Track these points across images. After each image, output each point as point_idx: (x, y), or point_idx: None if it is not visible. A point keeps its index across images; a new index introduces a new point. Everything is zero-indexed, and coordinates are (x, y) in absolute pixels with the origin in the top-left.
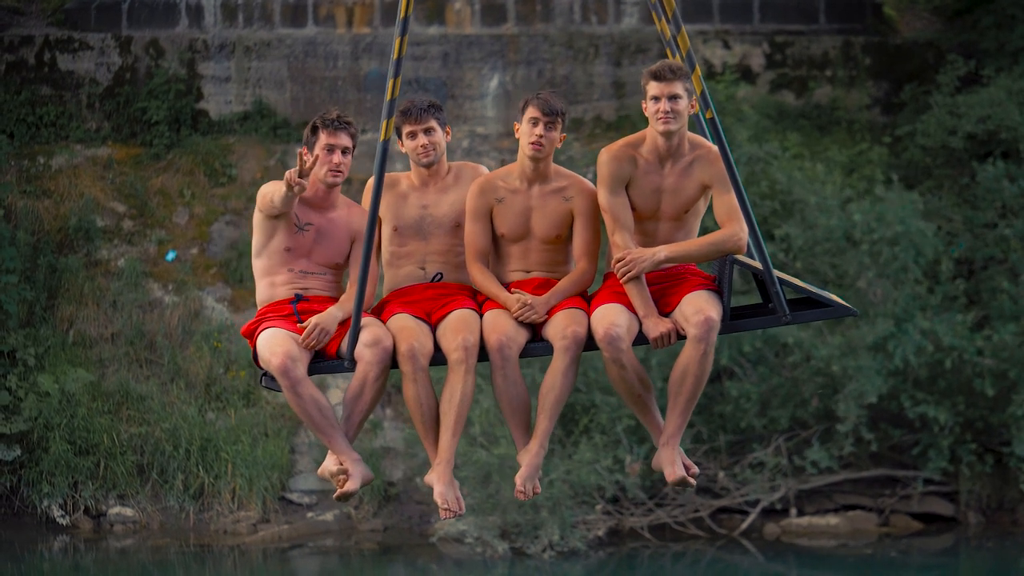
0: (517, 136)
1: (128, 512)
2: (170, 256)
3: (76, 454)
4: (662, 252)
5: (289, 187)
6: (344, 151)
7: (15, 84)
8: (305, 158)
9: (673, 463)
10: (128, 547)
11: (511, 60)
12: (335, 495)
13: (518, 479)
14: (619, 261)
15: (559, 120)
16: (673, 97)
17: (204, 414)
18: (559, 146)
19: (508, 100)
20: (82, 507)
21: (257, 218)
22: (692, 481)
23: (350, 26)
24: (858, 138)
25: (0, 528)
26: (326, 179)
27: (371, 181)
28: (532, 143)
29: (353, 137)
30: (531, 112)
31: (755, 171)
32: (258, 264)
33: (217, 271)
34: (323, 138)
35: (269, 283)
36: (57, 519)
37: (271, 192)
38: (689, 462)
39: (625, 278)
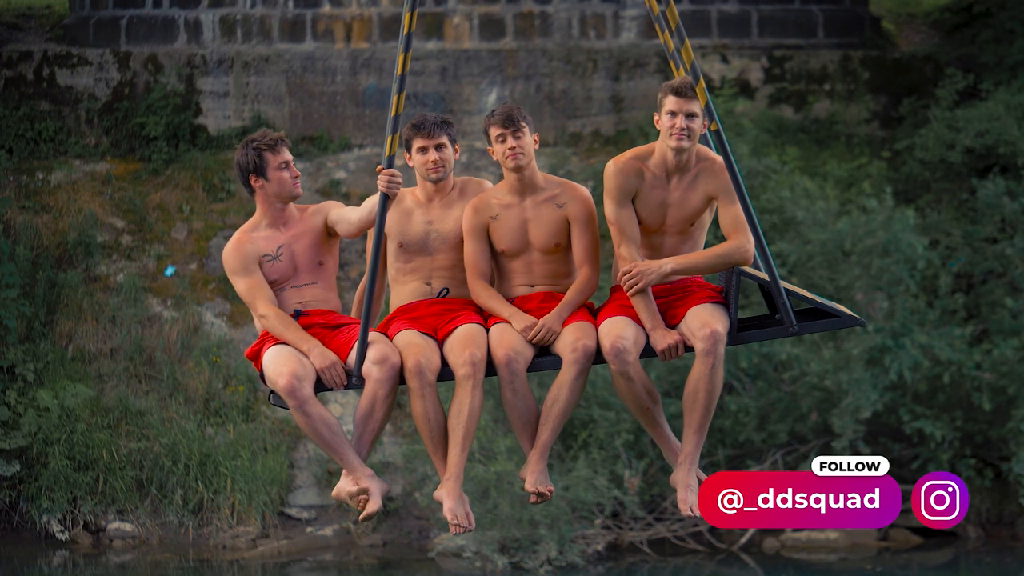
0: (495, 158)
1: (127, 527)
2: (169, 271)
3: (75, 469)
4: (669, 264)
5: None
6: (293, 163)
7: (14, 99)
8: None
9: (687, 487)
10: (127, 562)
11: (509, 75)
12: (360, 518)
13: (528, 485)
14: (626, 274)
15: (524, 125)
16: (690, 115)
17: (203, 429)
18: (537, 147)
19: None
20: (81, 522)
21: (231, 275)
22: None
23: (348, 41)
24: (857, 152)
25: None
26: (292, 192)
27: (375, 196)
28: (510, 156)
29: (289, 148)
30: (495, 131)
31: (754, 185)
32: None
33: (216, 286)
34: (273, 159)
35: None
36: (56, 534)
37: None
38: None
39: (632, 291)
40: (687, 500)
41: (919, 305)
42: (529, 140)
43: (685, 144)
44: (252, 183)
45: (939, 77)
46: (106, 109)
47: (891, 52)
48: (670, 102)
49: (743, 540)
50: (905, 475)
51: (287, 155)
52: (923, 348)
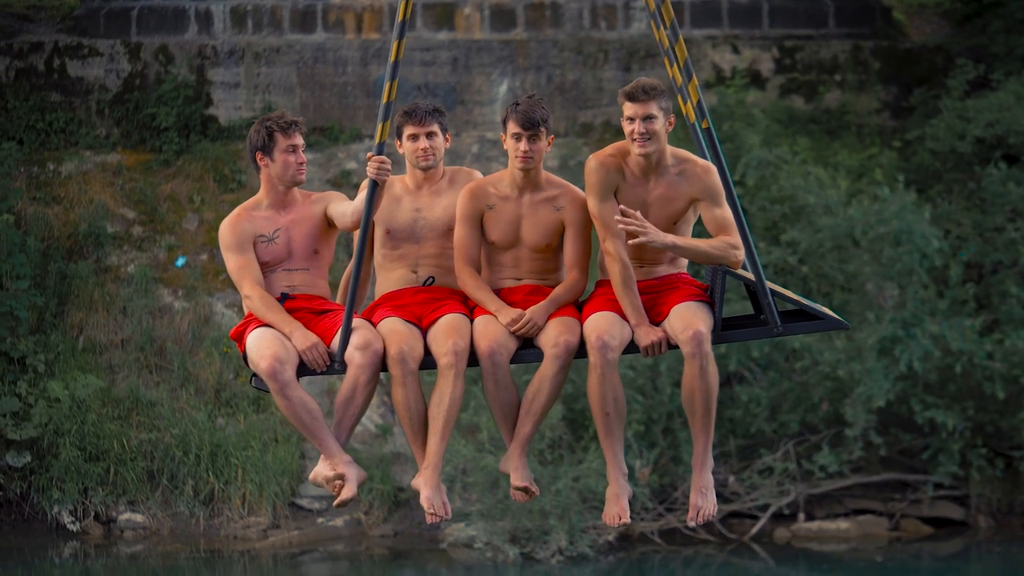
0: (505, 147)
1: (138, 518)
2: (180, 262)
3: (86, 460)
4: (670, 238)
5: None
6: (303, 149)
7: (25, 90)
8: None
9: (699, 491)
10: (138, 553)
11: (520, 65)
12: (335, 503)
13: (516, 480)
14: (634, 219)
15: (542, 129)
16: (648, 118)
17: (214, 420)
18: (548, 151)
19: None
20: (92, 513)
21: (223, 250)
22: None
23: (359, 32)
24: (868, 142)
25: (10, 534)
26: (295, 177)
27: (365, 183)
28: (519, 157)
29: (304, 135)
30: (512, 128)
31: (765, 176)
32: None
33: (226, 277)
34: (282, 141)
35: None
36: (67, 525)
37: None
38: (712, 497)
39: (629, 237)
40: (697, 505)
41: (930, 295)
42: (544, 144)
43: (648, 148)
44: (258, 160)
45: (950, 67)
46: (117, 100)
47: (902, 42)
48: (627, 108)
49: (754, 530)
50: (916, 465)
51: (298, 140)
52: (934, 338)
